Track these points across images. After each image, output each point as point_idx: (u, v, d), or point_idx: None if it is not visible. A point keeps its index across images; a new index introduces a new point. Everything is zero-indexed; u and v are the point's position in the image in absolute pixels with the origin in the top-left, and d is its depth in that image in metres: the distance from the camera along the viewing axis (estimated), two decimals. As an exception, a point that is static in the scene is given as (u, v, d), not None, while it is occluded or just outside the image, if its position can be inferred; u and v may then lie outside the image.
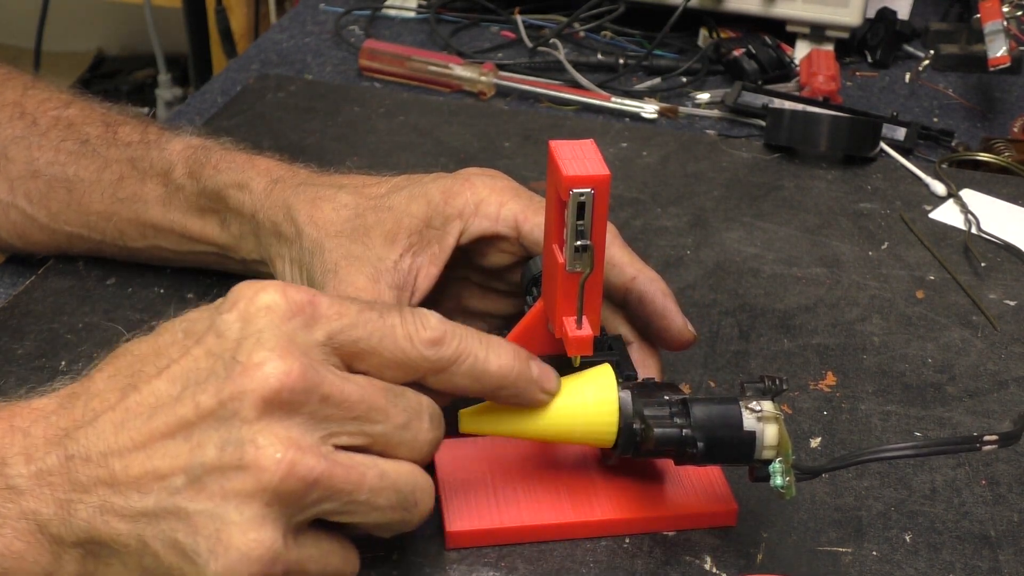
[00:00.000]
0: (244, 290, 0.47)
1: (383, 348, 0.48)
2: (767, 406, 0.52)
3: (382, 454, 0.47)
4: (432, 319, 0.49)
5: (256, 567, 0.44)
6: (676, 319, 0.60)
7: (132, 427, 0.46)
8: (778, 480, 0.52)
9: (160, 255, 0.71)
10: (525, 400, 0.52)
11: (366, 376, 0.48)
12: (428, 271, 0.61)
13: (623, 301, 0.60)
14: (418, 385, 0.50)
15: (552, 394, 0.53)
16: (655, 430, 0.52)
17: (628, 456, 0.54)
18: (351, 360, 0.48)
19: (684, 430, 0.52)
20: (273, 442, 0.44)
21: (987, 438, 0.51)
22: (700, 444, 0.52)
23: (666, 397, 0.54)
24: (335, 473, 0.45)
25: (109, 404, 0.46)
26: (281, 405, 0.45)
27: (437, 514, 0.56)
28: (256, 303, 0.46)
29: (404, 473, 0.48)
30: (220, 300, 0.48)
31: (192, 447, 0.45)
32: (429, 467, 0.50)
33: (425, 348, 0.49)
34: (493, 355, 0.50)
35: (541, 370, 0.52)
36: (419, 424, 0.48)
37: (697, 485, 0.58)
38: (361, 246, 0.60)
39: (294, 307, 0.46)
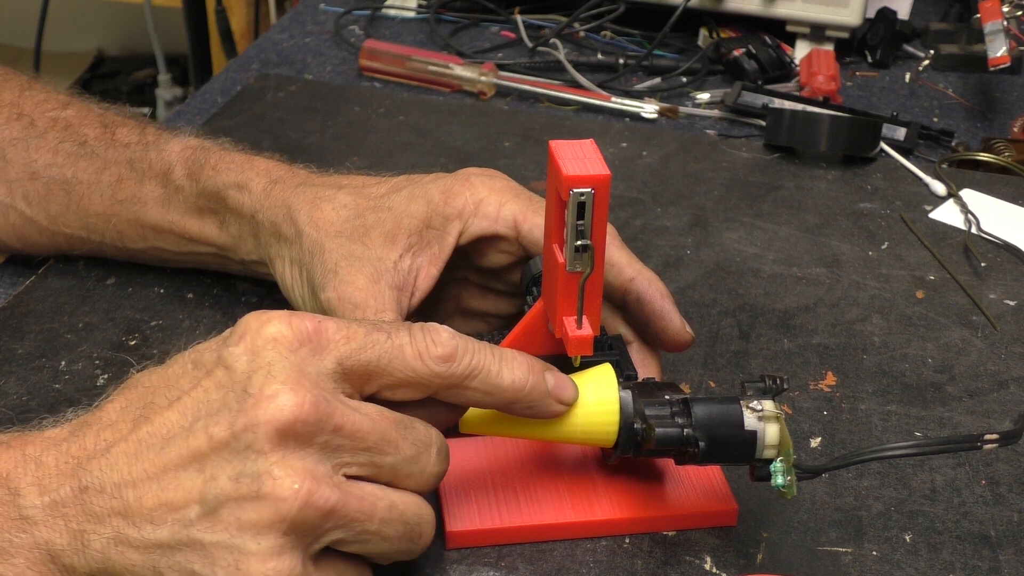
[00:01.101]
0: (251, 322, 0.47)
1: (393, 368, 0.48)
2: (768, 405, 0.52)
3: (389, 484, 0.48)
4: (443, 335, 0.49)
5: None
6: (674, 320, 0.60)
7: (145, 458, 0.46)
8: (779, 480, 0.52)
9: (160, 256, 0.71)
10: (540, 412, 0.52)
11: (377, 407, 0.48)
12: (428, 271, 0.61)
13: (622, 302, 0.60)
14: (432, 401, 0.50)
15: (569, 404, 0.52)
16: (656, 430, 0.52)
17: (629, 456, 0.54)
18: (362, 383, 0.48)
19: (685, 430, 0.52)
20: (290, 473, 0.44)
21: (988, 437, 0.51)
22: (702, 444, 0.52)
23: (667, 397, 0.54)
24: (348, 503, 0.45)
25: (121, 435, 0.47)
26: (295, 436, 0.45)
27: (438, 514, 0.56)
28: (263, 335, 0.46)
29: (411, 504, 0.48)
30: (228, 331, 0.48)
31: (206, 479, 0.45)
32: None
33: (436, 365, 0.48)
34: (506, 369, 0.50)
35: (557, 381, 0.52)
36: (427, 457, 0.48)
37: (698, 485, 0.58)
38: (361, 246, 0.60)
39: (301, 336, 0.46)
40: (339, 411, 0.46)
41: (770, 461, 0.52)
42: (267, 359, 0.46)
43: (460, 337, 0.49)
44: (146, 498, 0.45)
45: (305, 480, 0.44)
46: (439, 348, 0.48)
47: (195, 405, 0.46)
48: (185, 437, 0.45)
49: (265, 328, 0.46)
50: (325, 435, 0.45)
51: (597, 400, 0.53)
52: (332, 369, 0.47)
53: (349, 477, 0.46)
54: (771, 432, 0.52)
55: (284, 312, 0.47)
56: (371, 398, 0.49)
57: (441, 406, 0.50)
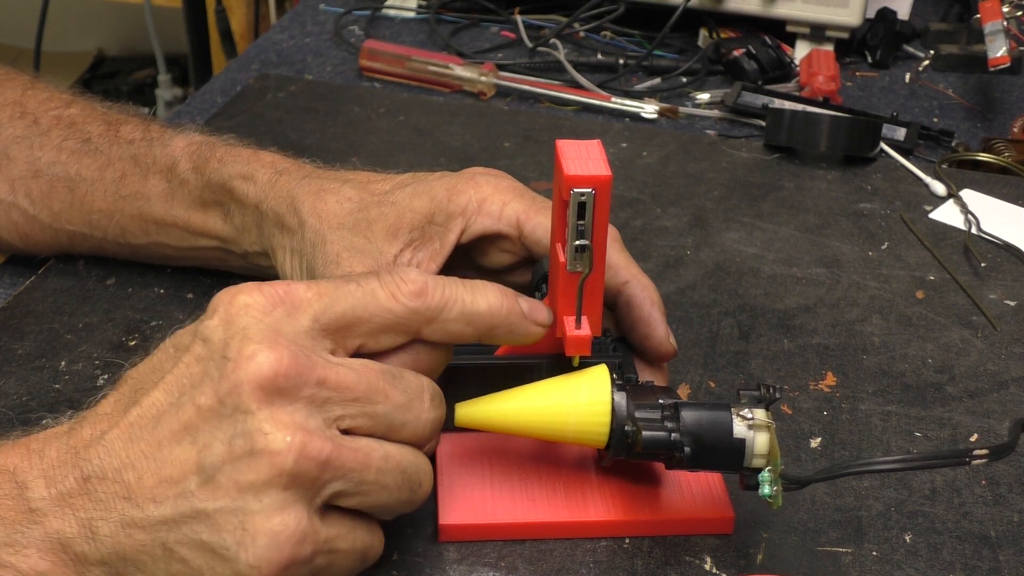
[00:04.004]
0: (223, 296, 0.48)
1: (369, 314, 0.48)
2: (759, 414, 0.52)
3: (386, 436, 0.48)
4: (412, 273, 0.50)
5: (286, 549, 0.44)
6: (658, 329, 0.59)
7: (139, 439, 0.46)
8: (766, 489, 0.51)
9: (162, 252, 0.71)
10: (521, 334, 0.52)
11: (362, 360, 0.48)
12: (428, 267, 0.61)
13: (612, 303, 0.60)
14: (415, 345, 0.50)
15: (545, 325, 0.53)
16: (643, 433, 0.52)
17: (622, 458, 0.54)
18: (343, 336, 0.48)
19: (673, 434, 0.52)
20: (280, 427, 0.44)
21: (977, 452, 0.50)
22: (687, 449, 0.52)
23: (660, 400, 0.53)
24: (343, 454, 0.46)
25: (114, 422, 0.47)
26: (279, 392, 0.45)
27: (437, 512, 0.56)
28: (236, 304, 0.47)
29: (407, 454, 0.48)
30: (204, 312, 0.48)
31: (200, 448, 0.45)
32: (430, 459, 0.50)
33: (410, 300, 0.49)
34: (480, 296, 0.50)
35: (531, 305, 0.53)
36: (420, 404, 0.48)
37: (696, 490, 0.58)
38: (363, 239, 0.61)
39: (273, 299, 0.47)
40: (320, 364, 0.46)
41: (758, 470, 0.52)
42: (242, 324, 0.46)
43: (429, 275, 0.50)
44: (146, 477, 0.45)
45: (296, 432, 0.45)
46: (410, 285, 0.49)
47: (179, 381, 0.46)
48: (174, 412, 0.46)
49: (237, 298, 0.47)
50: (310, 388, 0.45)
51: (589, 400, 0.53)
52: (309, 327, 0.47)
53: (345, 431, 0.47)
54: (760, 441, 0.51)
55: (254, 283, 0.48)
56: (358, 355, 0.49)
57: (424, 349, 0.50)
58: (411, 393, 0.48)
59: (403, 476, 0.48)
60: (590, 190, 0.50)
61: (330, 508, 0.47)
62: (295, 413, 0.45)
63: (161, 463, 0.45)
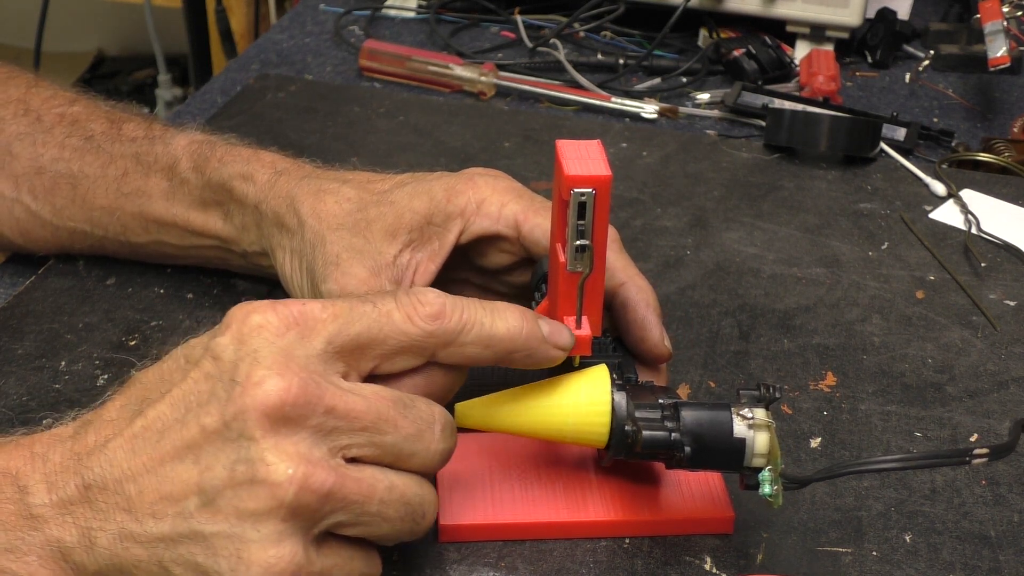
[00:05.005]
0: (236, 312, 0.47)
1: (384, 337, 0.48)
2: (759, 414, 0.52)
3: (393, 465, 0.47)
4: (429, 295, 0.49)
5: None
6: (653, 332, 0.59)
7: (142, 452, 0.46)
8: (766, 489, 0.51)
9: (162, 250, 0.71)
10: (540, 359, 0.51)
11: (374, 386, 0.48)
12: (427, 267, 0.61)
13: (608, 305, 0.60)
14: (429, 367, 0.50)
15: (566, 349, 0.52)
16: (643, 433, 0.52)
17: (622, 458, 0.54)
18: (356, 358, 0.48)
19: (673, 434, 0.52)
20: (283, 458, 0.44)
21: (977, 451, 0.50)
22: (687, 448, 0.52)
23: (660, 400, 0.53)
24: (346, 485, 0.45)
25: (118, 430, 0.47)
26: (285, 421, 0.45)
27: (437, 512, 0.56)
28: (249, 323, 0.46)
29: (412, 485, 0.48)
30: (217, 326, 0.48)
31: (202, 469, 0.45)
32: None
33: (427, 324, 0.48)
34: (499, 319, 0.50)
35: (552, 327, 0.52)
36: (431, 434, 0.48)
37: (696, 491, 0.58)
38: (362, 239, 0.60)
39: (287, 321, 0.46)
40: (330, 392, 0.45)
41: (759, 470, 0.52)
42: (253, 346, 0.46)
43: (448, 296, 0.49)
44: (146, 492, 0.45)
45: (300, 464, 0.44)
46: (427, 307, 0.48)
47: (185, 397, 0.46)
48: (179, 429, 0.46)
49: (251, 317, 0.46)
50: (317, 417, 0.45)
51: (589, 400, 0.53)
52: (322, 350, 0.46)
53: (351, 459, 0.46)
54: (760, 441, 0.51)
55: (269, 301, 0.47)
56: (371, 377, 0.48)
57: (439, 371, 0.50)
58: (422, 423, 0.48)
59: (406, 508, 0.47)
60: (590, 190, 0.50)
61: (329, 535, 0.47)
62: (300, 443, 0.45)
63: (162, 479, 0.45)
